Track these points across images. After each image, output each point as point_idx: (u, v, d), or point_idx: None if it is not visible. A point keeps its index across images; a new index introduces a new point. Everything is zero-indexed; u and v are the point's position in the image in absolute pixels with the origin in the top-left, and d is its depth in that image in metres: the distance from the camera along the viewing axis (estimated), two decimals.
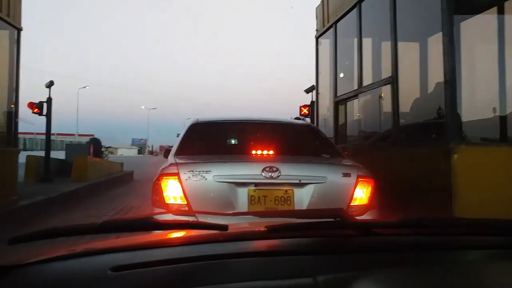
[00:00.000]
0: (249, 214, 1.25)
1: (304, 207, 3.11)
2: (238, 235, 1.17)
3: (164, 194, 3.12)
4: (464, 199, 3.41)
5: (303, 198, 3.13)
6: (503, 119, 4.52)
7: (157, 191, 3.15)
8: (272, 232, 1.09)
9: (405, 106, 4.67)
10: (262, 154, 3.58)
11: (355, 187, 3.19)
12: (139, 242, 1.13)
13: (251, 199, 3.11)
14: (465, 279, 0.89)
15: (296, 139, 4.21)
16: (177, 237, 1.18)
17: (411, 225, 1.18)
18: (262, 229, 1.11)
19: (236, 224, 1.30)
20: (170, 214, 2.93)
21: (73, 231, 1.12)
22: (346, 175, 3.25)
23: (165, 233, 1.24)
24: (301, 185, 3.15)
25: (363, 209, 3.19)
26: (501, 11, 4.93)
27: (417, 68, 5.02)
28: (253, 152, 3.62)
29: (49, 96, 10.84)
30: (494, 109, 4.71)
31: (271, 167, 3.12)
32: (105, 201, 9.36)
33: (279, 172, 3.11)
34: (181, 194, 3.09)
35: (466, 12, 4.81)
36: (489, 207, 3.36)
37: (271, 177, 3.10)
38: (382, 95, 5.00)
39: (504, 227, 1.22)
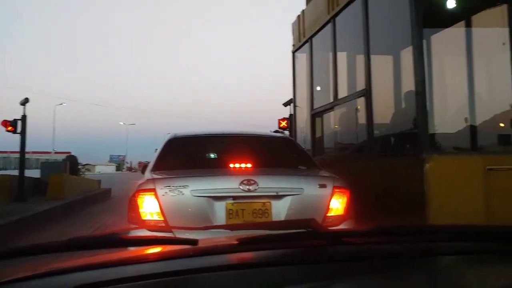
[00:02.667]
0: (222, 227, 1.28)
1: (282, 219, 3.10)
2: (209, 249, 1.16)
3: (141, 210, 3.07)
4: (437, 207, 3.48)
5: (280, 210, 3.14)
6: (473, 128, 4.65)
7: (133, 207, 3.10)
8: (243, 245, 1.09)
9: (379, 117, 4.76)
10: (239, 168, 3.56)
11: (331, 198, 3.23)
12: (107, 259, 1.11)
13: (229, 213, 3.09)
14: (437, 285, 0.89)
15: (273, 152, 4.22)
16: (147, 253, 1.17)
17: (382, 233, 1.18)
18: (233, 242, 1.10)
19: (207, 238, 1.30)
20: (144, 230, 2.93)
21: (38, 250, 1.08)
22: (322, 186, 3.28)
23: (133, 249, 1.22)
24: (278, 197, 3.16)
25: (340, 219, 3.22)
26: (468, 24, 5.11)
27: (391, 80, 5.14)
28: (231, 165, 3.59)
29: (24, 113, 10.64)
30: (466, 119, 4.84)
31: (248, 180, 3.12)
32: (82, 219, 9.17)
33: (257, 185, 3.11)
34: (158, 210, 3.05)
35: (435, 26, 4.98)
36: (462, 214, 3.44)
37: (249, 190, 3.09)
38: (358, 107, 5.09)
39: (476, 233, 1.23)
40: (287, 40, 8.04)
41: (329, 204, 3.22)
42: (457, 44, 5.16)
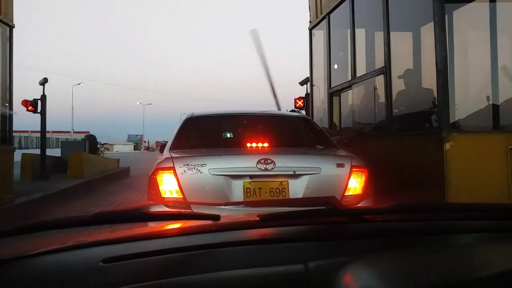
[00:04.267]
0: (241, 203, 1.25)
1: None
2: (231, 224, 1.17)
3: (160, 188, 3.13)
4: (456, 186, 3.45)
5: (297, 189, 3.15)
6: (495, 107, 4.54)
7: (152, 185, 3.17)
8: (264, 221, 1.10)
9: (398, 96, 4.69)
10: (256, 147, 3.61)
11: (349, 177, 3.22)
12: (131, 234, 1.13)
13: (246, 191, 3.12)
14: (457, 262, 0.89)
15: (290, 131, 4.24)
16: (169, 228, 1.18)
17: (402, 211, 1.18)
18: (255, 218, 1.11)
19: (229, 214, 1.32)
20: (163, 206, 2.96)
21: (64, 224, 1.11)
22: (340, 165, 3.28)
23: (157, 224, 1.24)
24: (295, 176, 3.17)
25: (358, 198, 3.21)
26: None
27: (411, 58, 5.03)
28: (248, 144, 3.64)
29: (43, 93, 10.78)
30: (487, 98, 4.73)
31: (265, 159, 3.13)
32: (102, 196, 9.36)
33: (274, 164, 3.12)
34: (177, 187, 3.10)
35: (457, 1, 4.82)
36: (480, 193, 3.40)
37: (266, 169, 3.11)
38: (377, 85, 5.02)
39: (496, 211, 1.22)
40: (304, 17, 7.93)
41: (347, 184, 3.21)
42: (480, 20, 5.00)
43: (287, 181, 3.16)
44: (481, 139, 3.68)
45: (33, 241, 1.08)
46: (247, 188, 3.13)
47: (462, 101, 4.38)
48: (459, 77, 4.55)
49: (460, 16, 4.63)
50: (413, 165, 4.02)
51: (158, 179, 3.15)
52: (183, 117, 4.30)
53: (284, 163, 3.20)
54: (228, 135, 4.33)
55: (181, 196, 3.09)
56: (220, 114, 4.47)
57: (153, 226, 1.22)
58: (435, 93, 3.78)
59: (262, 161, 3.12)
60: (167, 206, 3.04)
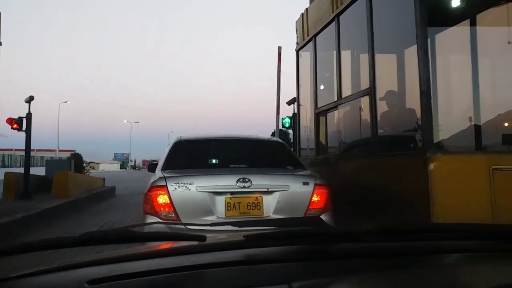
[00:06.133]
0: (229, 224, 1.28)
1: (271, 211, 3.70)
2: (216, 245, 1.18)
3: (154, 203, 3.66)
4: (441, 207, 3.48)
5: (270, 203, 3.71)
6: (477, 128, 4.64)
7: (148, 200, 3.71)
8: (249, 241, 1.12)
9: (383, 116, 4.76)
10: (236, 167, 4.23)
11: (313, 194, 3.79)
12: (117, 255, 1.14)
13: (227, 206, 3.67)
14: (440, 282, 0.91)
15: (265, 154, 4.84)
16: (155, 249, 1.19)
17: (385, 232, 1.20)
18: (241, 239, 1.12)
19: (214, 234, 1.33)
20: (157, 218, 3.57)
21: (50, 245, 1.10)
22: (305, 183, 3.84)
23: (143, 245, 1.24)
24: (268, 192, 3.73)
25: (319, 211, 3.77)
26: (473, 23, 5.10)
27: (395, 79, 5.13)
28: (229, 165, 4.28)
29: (29, 111, 10.68)
30: (470, 118, 4.83)
31: (244, 178, 3.68)
32: (86, 217, 9.20)
33: (251, 182, 3.67)
34: (168, 202, 3.62)
35: (440, 25, 4.97)
36: (466, 214, 3.44)
37: (244, 187, 3.66)
38: (362, 106, 5.09)
39: (478, 231, 1.25)
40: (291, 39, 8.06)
41: (311, 199, 3.77)
42: (462, 43, 5.15)
43: (262, 197, 3.71)
44: (464, 159, 3.73)
45: (17, 263, 1.07)
46: (228, 202, 3.67)
47: (445, 122, 4.47)
48: (442, 99, 4.66)
49: (443, 39, 4.76)
50: (398, 185, 4.06)
51: (152, 195, 3.67)
52: (172, 141, 4.80)
53: (259, 181, 3.73)
54: (212, 156, 4.77)
55: (172, 210, 3.61)
56: (205, 138, 5.07)
57: (139, 247, 1.23)
58: (418, 114, 3.84)
59: (241, 179, 3.67)
60: (160, 218, 3.59)
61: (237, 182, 3.65)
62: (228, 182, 3.70)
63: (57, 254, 1.17)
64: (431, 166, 3.55)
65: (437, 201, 3.51)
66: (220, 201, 3.66)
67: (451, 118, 4.73)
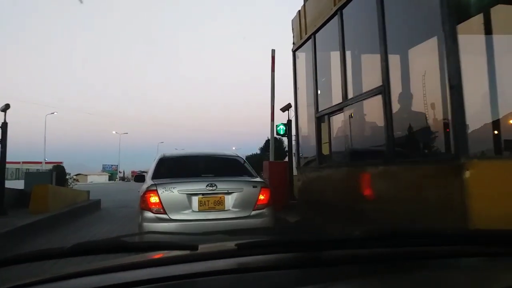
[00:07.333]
0: (219, 233, 1.26)
1: (231, 206, 5.23)
2: (209, 254, 1.19)
3: (148, 202, 5.10)
4: (478, 216, 2.89)
5: (229, 201, 5.26)
6: (505, 128, 4.07)
7: (144, 200, 5.14)
8: (241, 249, 1.11)
9: (399, 117, 4.17)
10: (206, 176, 5.62)
11: (259, 193, 5.37)
12: (107, 265, 1.12)
13: (200, 203, 5.19)
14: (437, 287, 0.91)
15: (227, 166, 6.35)
16: (146, 259, 1.20)
17: (378, 237, 1.16)
18: (232, 247, 1.12)
19: (206, 243, 1.30)
20: (150, 213, 5.05)
21: (40, 257, 1.09)
22: (255, 187, 5.43)
23: (134, 255, 1.23)
24: (229, 193, 5.28)
25: (264, 205, 5.36)
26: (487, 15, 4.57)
27: (413, 75, 4.53)
28: (201, 174, 5.70)
29: (5, 120, 9.94)
30: (495, 120, 4.27)
31: (211, 183, 5.23)
32: (68, 233, 8.50)
33: (216, 187, 5.22)
34: (158, 201, 5.10)
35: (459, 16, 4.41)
36: (505, 222, 2.84)
37: (212, 190, 5.21)
38: (373, 107, 4.51)
39: (476, 237, 1.22)
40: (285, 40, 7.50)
41: (258, 197, 5.34)
42: (481, 36, 4.60)
43: (224, 196, 5.25)
44: (504, 165, 3.15)
45: (6, 275, 1.06)
46: (200, 200, 5.20)
47: (474, 122, 3.86)
48: (470, 95, 4.07)
49: (467, 30, 4.18)
50: (420, 197, 3.47)
51: (147, 196, 5.12)
52: (157, 157, 6.29)
53: (222, 186, 5.26)
54: (188, 168, 6.07)
55: (161, 207, 5.07)
56: (182, 155, 6.93)
57: (130, 257, 1.21)
58: (448, 113, 3.26)
59: (209, 184, 5.22)
60: (152, 212, 5.05)
61: (206, 186, 5.20)
62: (200, 186, 5.22)
63: (47, 265, 1.16)
64: (467, 174, 2.96)
65: (475, 215, 2.92)
66: (195, 199, 5.18)
67: (481, 117, 4.11)
